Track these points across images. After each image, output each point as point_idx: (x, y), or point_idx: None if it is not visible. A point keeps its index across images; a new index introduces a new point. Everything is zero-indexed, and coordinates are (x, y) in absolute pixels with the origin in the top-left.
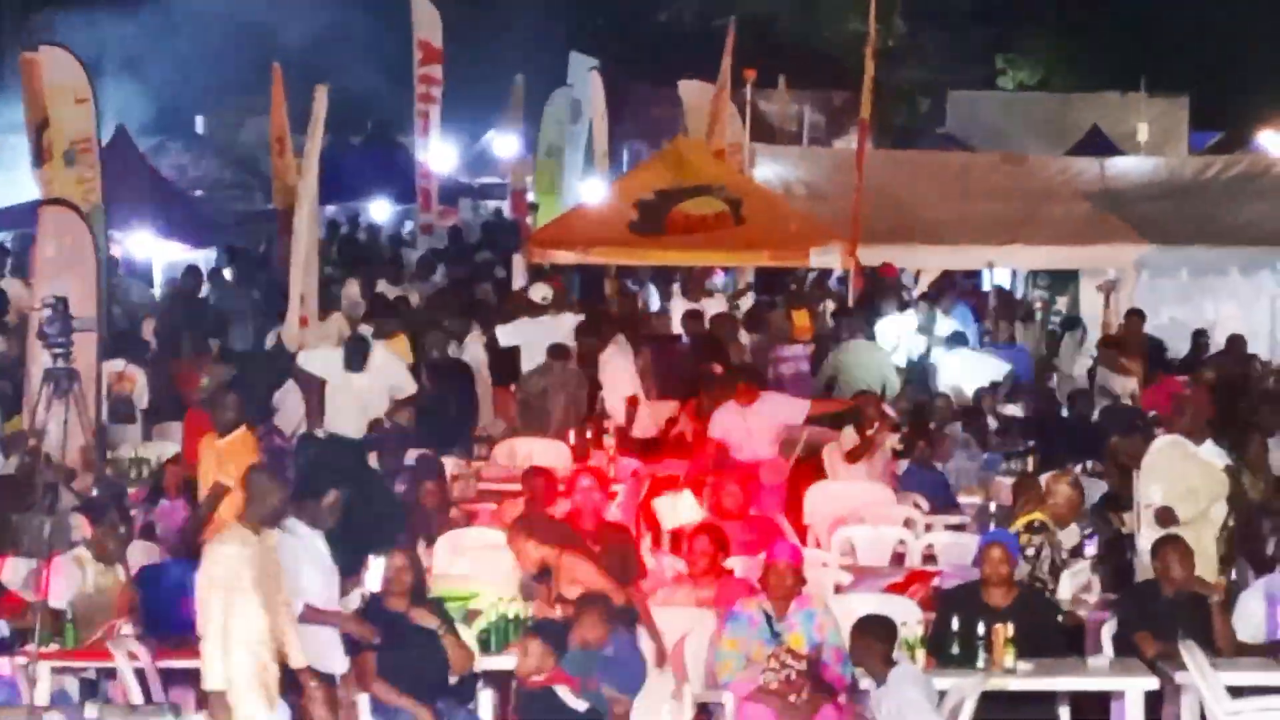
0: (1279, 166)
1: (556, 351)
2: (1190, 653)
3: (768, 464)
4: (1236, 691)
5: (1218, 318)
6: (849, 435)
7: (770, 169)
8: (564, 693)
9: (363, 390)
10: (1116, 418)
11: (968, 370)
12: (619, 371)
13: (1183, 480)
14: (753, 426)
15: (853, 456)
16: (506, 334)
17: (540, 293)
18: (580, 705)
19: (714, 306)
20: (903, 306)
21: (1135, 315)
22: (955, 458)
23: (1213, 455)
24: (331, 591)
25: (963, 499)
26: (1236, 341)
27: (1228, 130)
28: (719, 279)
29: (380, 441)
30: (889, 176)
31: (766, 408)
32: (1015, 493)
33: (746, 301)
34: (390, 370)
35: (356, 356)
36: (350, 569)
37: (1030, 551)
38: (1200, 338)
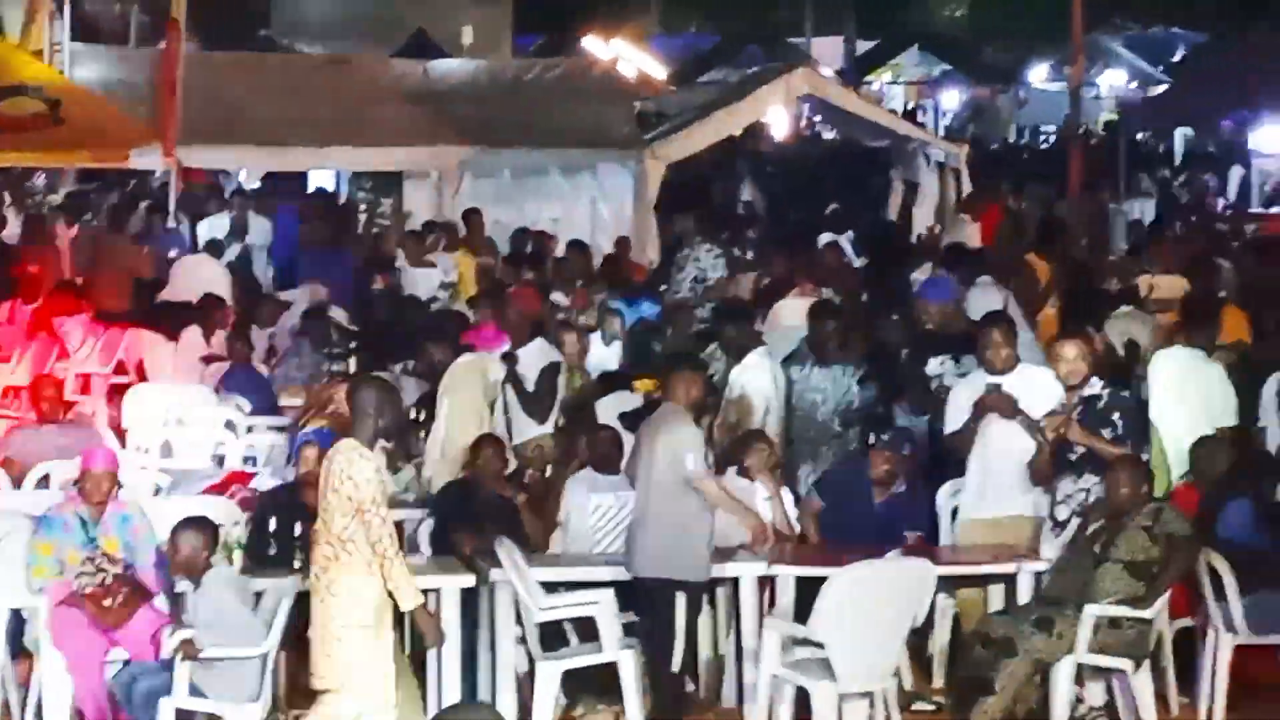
0: (599, 69)
1: None
2: (505, 550)
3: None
4: (550, 587)
5: (539, 218)
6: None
7: (91, 70)
8: None
9: None
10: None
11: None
12: None
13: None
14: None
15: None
16: None
17: None
18: None
19: None
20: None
21: (474, 213)
22: (285, 363)
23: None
24: None
25: (286, 401)
26: (541, 237)
27: (551, 33)
28: (39, 180)
29: None
30: (212, 78)
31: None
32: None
33: None
34: None
35: None
36: None
37: None
38: (519, 237)
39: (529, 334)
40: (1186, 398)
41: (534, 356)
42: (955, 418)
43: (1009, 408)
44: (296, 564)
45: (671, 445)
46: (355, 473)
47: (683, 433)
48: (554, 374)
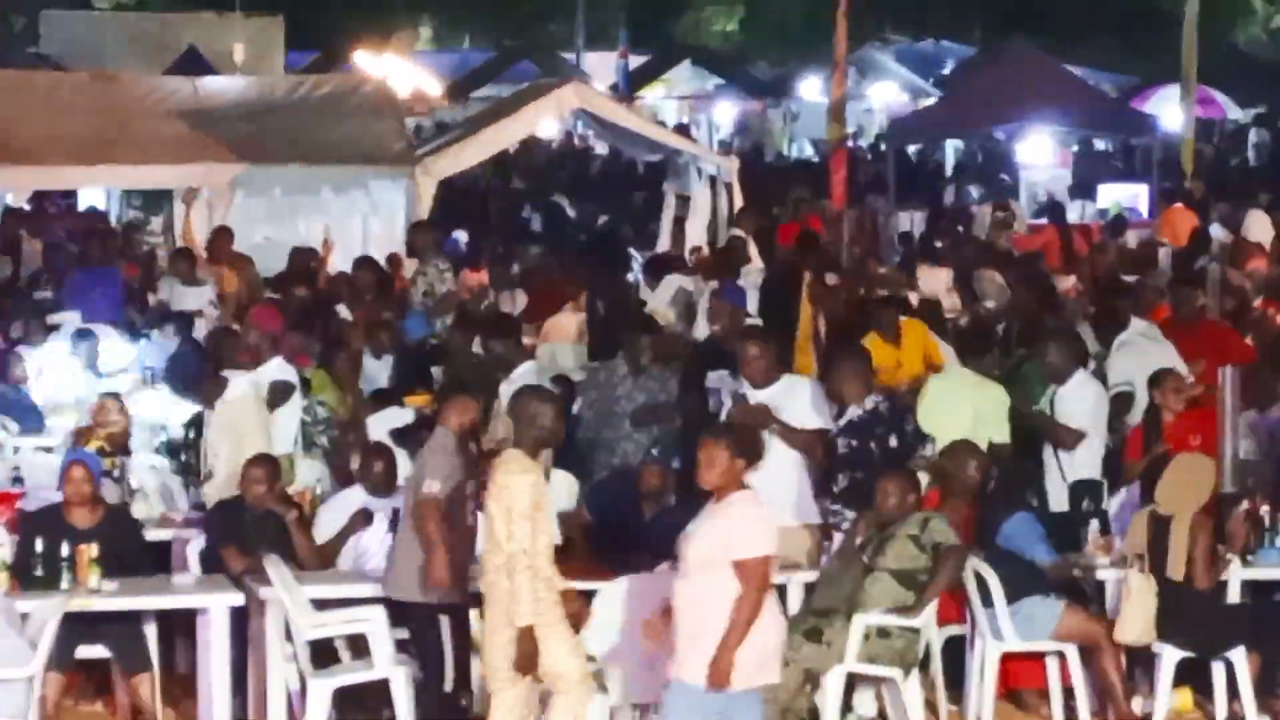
0: (371, 85)
1: None
2: (274, 567)
3: None
4: (321, 604)
5: (310, 235)
6: None
7: None
8: None
9: None
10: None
11: None
12: None
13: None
14: None
15: None
16: None
17: None
18: None
19: None
20: None
21: (223, 231)
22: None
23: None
24: None
25: (54, 421)
26: (311, 255)
27: (324, 50)
28: None
29: None
30: None
31: None
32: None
33: None
34: None
35: None
36: None
37: (116, 474)
38: (297, 254)
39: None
40: (960, 419)
41: (272, 376)
42: None
43: (760, 418)
44: (64, 584)
45: (423, 470)
46: (511, 481)
47: (435, 458)
48: (281, 394)
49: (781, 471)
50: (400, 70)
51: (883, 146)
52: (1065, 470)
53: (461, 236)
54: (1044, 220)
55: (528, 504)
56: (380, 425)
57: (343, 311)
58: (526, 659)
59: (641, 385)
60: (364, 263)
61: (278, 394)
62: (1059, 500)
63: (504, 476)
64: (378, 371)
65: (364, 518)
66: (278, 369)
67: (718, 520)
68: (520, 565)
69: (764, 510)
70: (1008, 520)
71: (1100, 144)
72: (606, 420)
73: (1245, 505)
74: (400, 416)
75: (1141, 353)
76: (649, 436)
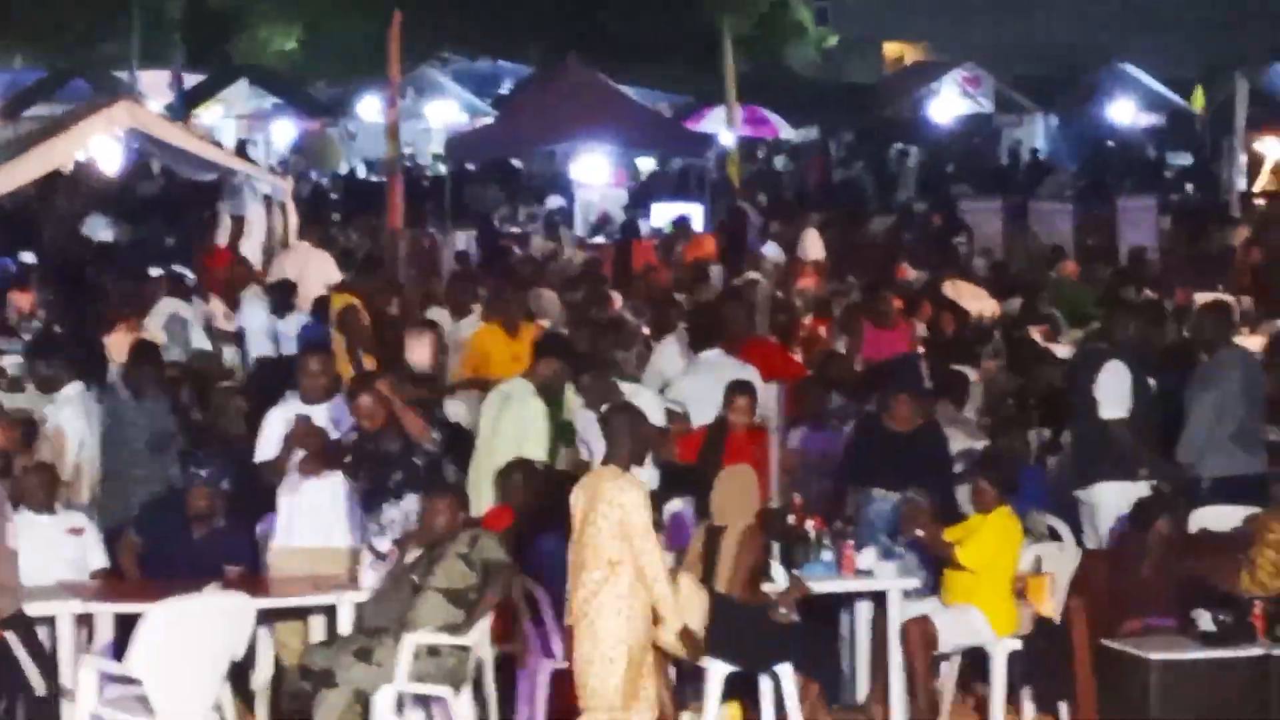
0: None
1: None
2: None
3: None
4: None
5: None
6: None
7: None
8: None
9: None
10: None
11: None
12: None
13: None
14: None
15: None
16: None
17: None
18: None
19: None
20: None
21: None
22: None
23: None
24: None
25: None
26: None
27: None
28: None
29: None
30: None
31: None
32: None
33: None
34: None
35: None
36: None
37: None
38: None
39: None
40: (503, 430)
41: None
42: (266, 447)
43: (314, 440)
44: None
45: None
46: (625, 500)
47: None
48: None
49: (321, 492)
50: None
51: (440, 165)
52: None
53: (24, 257)
54: (599, 239)
55: (646, 518)
56: None
57: None
58: (694, 651)
59: (145, 410)
60: None
61: None
62: None
63: (617, 494)
64: None
65: None
66: None
67: None
68: (661, 577)
69: None
70: (543, 537)
71: (656, 163)
72: (115, 448)
73: (790, 519)
74: None
75: (708, 376)
76: (161, 463)
